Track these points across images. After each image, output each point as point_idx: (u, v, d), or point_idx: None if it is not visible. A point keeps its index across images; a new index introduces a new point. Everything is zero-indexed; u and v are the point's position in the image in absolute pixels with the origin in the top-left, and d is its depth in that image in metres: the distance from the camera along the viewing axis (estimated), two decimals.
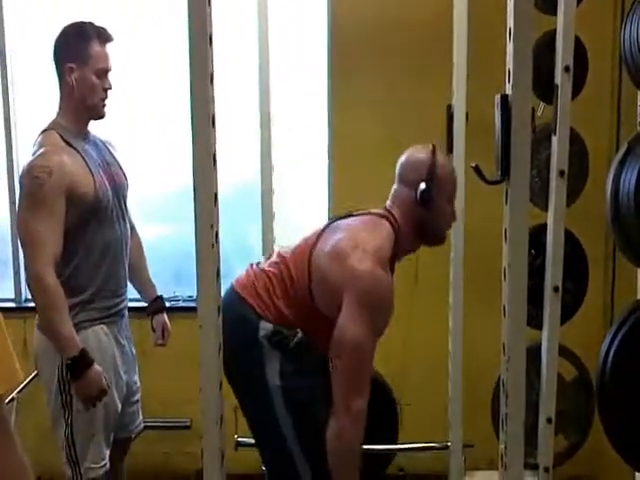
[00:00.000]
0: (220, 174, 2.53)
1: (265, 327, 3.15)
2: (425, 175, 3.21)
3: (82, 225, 3.58)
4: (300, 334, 3.15)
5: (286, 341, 3.15)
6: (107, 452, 3.75)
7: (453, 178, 3.37)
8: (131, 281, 3.98)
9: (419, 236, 3.30)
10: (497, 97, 2.34)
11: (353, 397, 3.00)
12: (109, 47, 3.68)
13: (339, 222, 3.34)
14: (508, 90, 2.35)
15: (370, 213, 3.30)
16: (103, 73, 3.65)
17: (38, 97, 5.04)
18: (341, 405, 3.01)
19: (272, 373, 3.15)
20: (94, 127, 3.80)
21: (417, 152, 3.32)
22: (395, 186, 3.34)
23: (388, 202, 3.33)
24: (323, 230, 3.29)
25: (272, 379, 3.14)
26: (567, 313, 3.96)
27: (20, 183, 3.59)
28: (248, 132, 4.61)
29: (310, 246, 3.23)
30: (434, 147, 3.27)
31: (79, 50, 3.62)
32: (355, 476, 3.11)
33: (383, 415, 4.20)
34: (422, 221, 3.25)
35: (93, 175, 3.61)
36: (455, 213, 3.37)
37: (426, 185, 3.19)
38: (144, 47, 5.13)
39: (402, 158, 3.35)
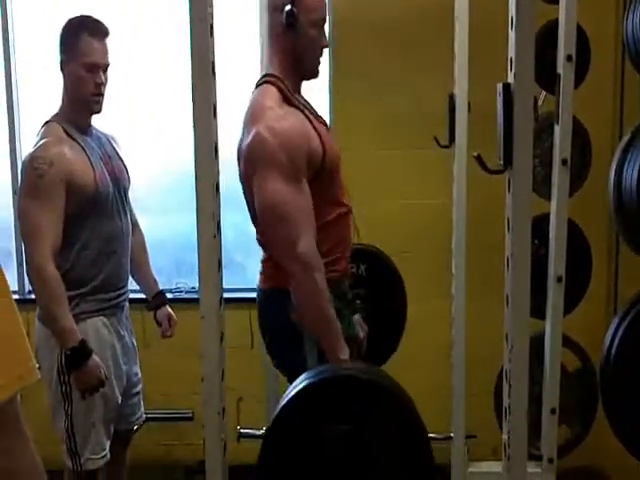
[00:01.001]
0: (221, 164, 2.53)
1: (293, 304, 3.14)
2: None
3: (82, 217, 3.58)
4: None
5: None
6: (107, 443, 3.75)
7: (319, 2, 3.30)
8: (133, 277, 3.98)
9: (296, 71, 3.26)
10: (499, 86, 2.33)
11: (294, 244, 2.96)
12: (103, 41, 3.65)
13: None
14: (510, 79, 2.34)
15: (255, 91, 3.28)
16: (94, 67, 3.62)
17: (42, 88, 5.03)
18: (287, 257, 3.01)
19: (311, 358, 3.14)
20: (97, 121, 3.80)
21: None
22: (266, 19, 3.32)
23: (265, 50, 3.35)
24: None
25: (310, 364, 3.13)
26: (570, 303, 3.96)
27: (21, 174, 3.59)
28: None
29: None
30: None
31: (70, 43, 3.62)
32: (329, 320, 3.06)
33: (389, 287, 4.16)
34: (294, 50, 3.20)
35: (93, 167, 3.61)
36: (325, 40, 3.30)
37: (291, 7, 3.14)
38: (146, 38, 5.12)
39: None
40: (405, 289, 4.16)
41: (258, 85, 3.26)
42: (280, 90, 3.17)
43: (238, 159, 3.20)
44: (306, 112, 3.20)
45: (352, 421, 2.38)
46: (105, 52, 3.65)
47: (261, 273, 3.33)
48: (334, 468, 2.40)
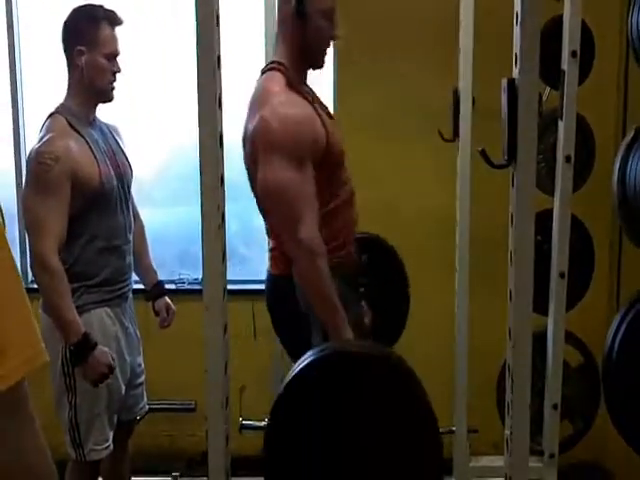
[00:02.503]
0: (226, 155, 2.53)
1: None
2: None
3: (86, 212, 3.59)
4: None
5: None
6: (110, 434, 3.76)
7: None
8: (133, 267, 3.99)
9: (303, 60, 3.29)
10: (504, 81, 2.34)
11: (296, 229, 2.99)
12: (118, 30, 3.68)
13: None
14: (515, 74, 2.34)
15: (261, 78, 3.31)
16: (112, 57, 3.66)
17: (46, 79, 5.03)
18: (289, 242, 3.06)
19: (317, 340, 3.15)
20: (103, 111, 3.81)
21: None
22: (276, 5, 3.37)
23: (276, 34, 3.37)
24: None
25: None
26: (573, 299, 3.96)
27: (27, 168, 3.60)
28: None
29: None
30: None
31: (89, 33, 3.63)
32: (332, 304, 3.08)
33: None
34: (302, 39, 3.23)
35: (98, 162, 3.62)
36: (335, 30, 3.32)
37: None
38: (152, 28, 5.12)
39: None
40: (407, 276, 4.18)
41: (264, 72, 3.29)
42: (286, 77, 3.19)
43: (243, 144, 3.23)
44: (310, 100, 3.23)
45: (355, 395, 2.44)
46: (118, 41, 3.69)
47: (271, 259, 3.36)
48: (340, 443, 2.45)
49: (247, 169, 3.23)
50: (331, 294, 3.06)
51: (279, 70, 3.21)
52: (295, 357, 3.30)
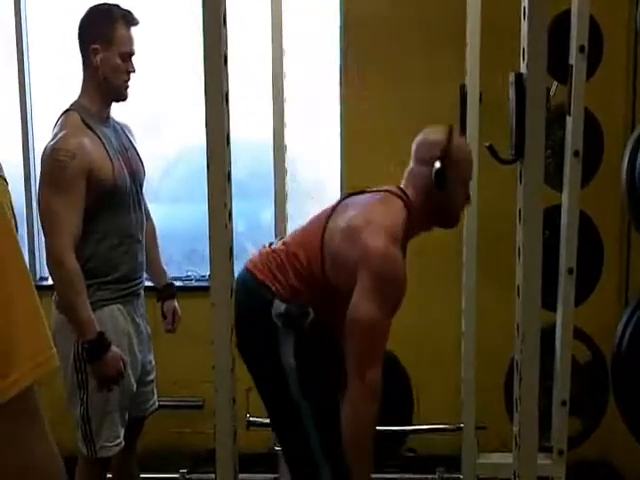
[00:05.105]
0: (233, 154, 2.53)
1: (278, 306, 3.13)
2: (440, 154, 3.14)
3: (99, 209, 3.60)
4: (312, 314, 3.13)
5: (300, 321, 3.13)
6: (122, 431, 3.76)
7: (469, 160, 3.32)
8: None
9: (432, 217, 3.26)
10: (511, 76, 2.33)
11: (367, 369, 2.98)
12: (134, 30, 3.69)
13: (352, 199, 3.31)
14: (523, 69, 2.33)
15: (384, 191, 3.27)
16: (127, 56, 3.67)
17: (55, 76, 5.03)
18: (355, 377, 3.00)
19: (286, 353, 3.14)
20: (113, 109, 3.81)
21: (434, 132, 3.26)
22: (411, 165, 3.29)
23: (403, 182, 3.28)
24: (335, 207, 3.26)
25: (286, 359, 3.13)
26: (581, 295, 3.95)
27: (42, 165, 3.60)
28: (261, 111, 4.59)
29: (322, 224, 3.21)
30: (451, 127, 3.22)
31: (104, 32, 3.64)
32: (368, 453, 3.09)
33: (398, 398, 4.21)
34: (436, 201, 3.19)
35: (112, 160, 3.63)
36: (469, 196, 3.33)
37: (441, 164, 3.12)
38: (158, 28, 5.11)
39: (419, 138, 3.29)
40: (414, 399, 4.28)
41: (388, 190, 3.24)
42: (406, 222, 3.13)
43: (336, 237, 3.14)
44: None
45: None
46: (134, 41, 3.71)
47: (266, 265, 3.26)
48: None
49: (333, 258, 3.14)
50: (370, 445, 3.07)
51: (406, 206, 3.16)
52: (249, 355, 3.28)
